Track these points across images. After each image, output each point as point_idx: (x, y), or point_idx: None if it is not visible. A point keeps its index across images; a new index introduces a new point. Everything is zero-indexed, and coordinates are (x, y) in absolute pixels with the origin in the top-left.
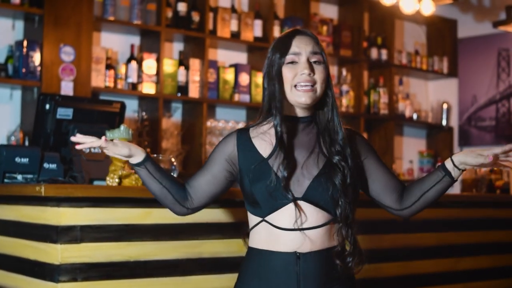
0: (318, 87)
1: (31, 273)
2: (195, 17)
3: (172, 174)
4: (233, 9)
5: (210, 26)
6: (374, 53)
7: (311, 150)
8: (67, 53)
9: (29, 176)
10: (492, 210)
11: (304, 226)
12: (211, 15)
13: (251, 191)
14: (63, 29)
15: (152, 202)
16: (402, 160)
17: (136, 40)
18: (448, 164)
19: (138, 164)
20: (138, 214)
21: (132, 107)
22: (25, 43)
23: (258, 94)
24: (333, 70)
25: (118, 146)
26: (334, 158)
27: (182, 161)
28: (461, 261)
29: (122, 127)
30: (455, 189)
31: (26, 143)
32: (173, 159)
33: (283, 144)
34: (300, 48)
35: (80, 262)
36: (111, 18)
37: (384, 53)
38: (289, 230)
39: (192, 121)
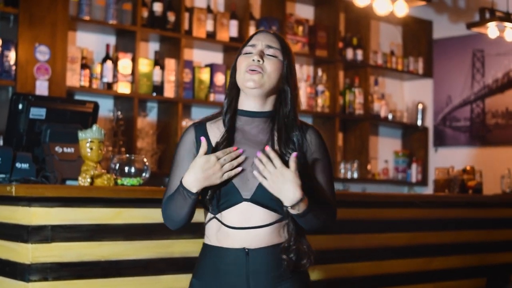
0: (266, 75)
1: (2, 272)
2: (171, 17)
3: (144, 174)
4: (208, 9)
5: (186, 26)
6: (349, 53)
7: (263, 148)
8: (42, 53)
9: (1, 176)
10: (464, 210)
11: (252, 225)
12: (186, 15)
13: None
14: (38, 28)
15: (123, 202)
16: (378, 160)
17: (111, 39)
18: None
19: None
20: (109, 214)
21: (107, 106)
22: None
23: None
24: (309, 70)
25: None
26: (286, 157)
27: (157, 160)
28: (433, 261)
29: (94, 127)
30: (429, 190)
31: (1, 142)
32: (145, 159)
33: (228, 129)
34: (258, 40)
35: (51, 262)
36: (87, 17)
37: (359, 54)
38: (237, 228)
39: (167, 121)
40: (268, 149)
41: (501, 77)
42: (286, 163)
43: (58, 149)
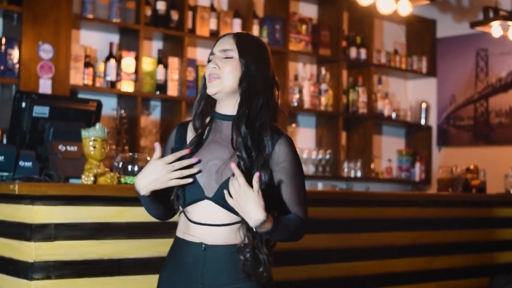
0: (224, 78)
1: (5, 270)
2: (174, 15)
3: None
4: (212, 8)
5: (189, 24)
6: (353, 52)
7: (232, 152)
8: (46, 51)
9: (5, 174)
10: (467, 209)
11: (212, 222)
12: (190, 13)
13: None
14: (42, 26)
15: (126, 200)
16: (381, 159)
17: (115, 38)
18: None
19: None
20: (112, 213)
21: (110, 105)
22: (3, 40)
23: None
24: (312, 69)
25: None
26: (240, 159)
27: None
28: (436, 260)
29: (97, 125)
30: (432, 189)
31: (4, 141)
32: (148, 158)
33: (200, 142)
34: (216, 47)
35: (54, 260)
36: (90, 16)
37: (363, 53)
38: (198, 224)
39: (170, 119)
40: (233, 165)
41: (505, 76)
42: (247, 171)
43: (61, 147)
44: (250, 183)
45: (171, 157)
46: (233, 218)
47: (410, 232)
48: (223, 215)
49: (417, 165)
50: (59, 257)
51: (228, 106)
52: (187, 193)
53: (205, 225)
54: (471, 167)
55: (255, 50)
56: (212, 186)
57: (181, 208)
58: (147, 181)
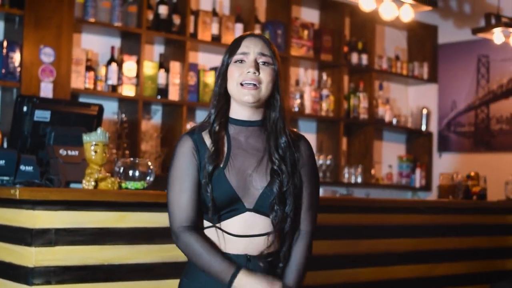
0: (263, 87)
1: (5, 275)
2: (176, 20)
3: (148, 178)
4: (214, 13)
5: (191, 29)
6: (354, 57)
7: (261, 157)
8: (47, 54)
9: (5, 178)
10: (468, 216)
11: (254, 233)
12: (192, 18)
13: (203, 197)
14: (44, 30)
15: (127, 205)
16: (382, 165)
17: (116, 42)
18: None
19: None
20: (113, 218)
21: (111, 109)
22: (5, 43)
23: None
24: (314, 74)
25: None
26: (274, 164)
27: (161, 163)
28: (437, 267)
29: (99, 130)
30: (433, 195)
31: (5, 145)
32: (149, 163)
33: (222, 148)
34: (249, 48)
35: (54, 265)
36: (92, 19)
37: (364, 58)
38: (239, 236)
39: (171, 124)
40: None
41: (506, 83)
42: (274, 173)
43: (62, 151)
44: (294, 189)
45: None
46: (272, 226)
47: (411, 239)
48: (264, 224)
49: (418, 171)
50: (59, 263)
51: (250, 112)
52: (225, 207)
53: (248, 237)
54: (472, 173)
55: (279, 58)
56: (250, 196)
57: (208, 223)
58: None
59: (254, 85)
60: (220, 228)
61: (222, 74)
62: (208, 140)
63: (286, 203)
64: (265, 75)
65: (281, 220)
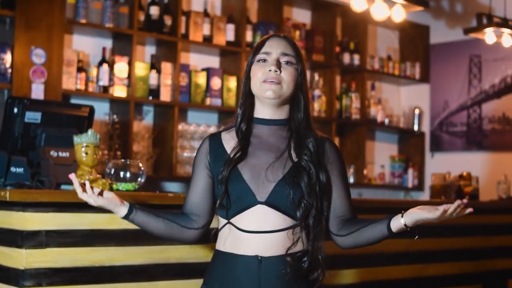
0: (285, 85)
1: None
2: (168, 20)
3: (139, 179)
4: (205, 13)
5: (183, 30)
6: (346, 58)
7: (280, 154)
8: (38, 56)
9: None
10: (460, 216)
11: (266, 229)
12: (183, 19)
13: (218, 193)
14: (35, 31)
15: None
16: (374, 165)
17: (108, 43)
18: (396, 222)
19: (126, 216)
20: (103, 219)
21: (103, 110)
22: None
23: (230, 98)
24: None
25: (99, 201)
26: (302, 160)
27: (153, 164)
28: (429, 267)
29: (90, 131)
30: (425, 195)
31: None
32: (140, 164)
33: (247, 146)
34: (272, 47)
35: (45, 267)
36: (83, 20)
37: (356, 58)
38: (251, 232)
39: (163, 125)
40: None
41: (498, 83)
42: (300, 169)
43: (53, 153)
44: (322, 185)
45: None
46: (287, 221)
47: (403, 239)
48: (277, 220)
49: (410, 171)
50: (50, 264)
51: (273, 111)
52: (238, 201)
53: (259, 233)
54: (464, 173)
55: (303, 58)
56: (263, 190)
57: (223, 221)
58: None
59: (276, 82)
60: (232, 224)
61: (247, 73)
62: (226, 141)
63: (313, 198)
64: (287, 74)
65: (305, 215)
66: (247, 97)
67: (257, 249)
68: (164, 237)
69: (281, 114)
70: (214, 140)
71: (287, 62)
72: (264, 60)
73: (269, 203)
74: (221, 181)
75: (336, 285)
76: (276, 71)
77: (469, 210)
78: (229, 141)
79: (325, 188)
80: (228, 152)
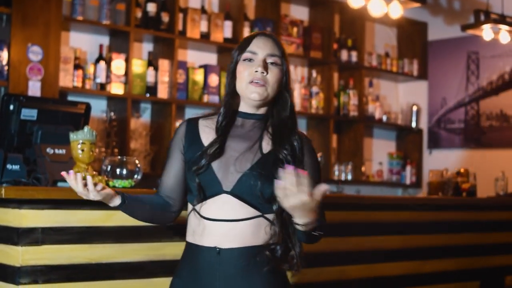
0: (270, 87)
1: None
2: (165, 17)
3: (136, 176)
4: (203, 10)
5: (180, 26)
6: (344, 55)
7: (251, 145)
8: (35, 53)
9: None
10: (458, 213)
11: (227, 218)
12: (180, 15)
13: (187, 179)
14: (31, 28)
15: None
16: (372, 162)
17: (105, 40)
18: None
19: (120, 206)
20: (100, 216)
21: (100, 107)
22: None
23: None
24: (303, 71)
25: (98, 196)
26: (281, 153)
27: (150, 161)
28: (426, 264)
29: (86, 128)
30: (422, 191)
31: None
32: (137, 161)
33: (220, 135)
34: (259, 47)
35: (41, 264)
36: (80, 17)
37: (354, 55)
38: (212, 220)
39: (160, 122)
40: (301, 172)
41: (495, 79)
42: (278, 161)
43: (49, 150)
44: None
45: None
46: (250, 212)
47: (401, 236)
48: (239, 210)
49: (408, 168)
50: (46, 262)
51: (252, 107)
52: (205, 189)
53: (222, 221)
54: (462, 170)
55: (287, 57)
56: (230, 179)
57: (190, 207)
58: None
59: (261, 84)
60: (196, 211)
61: (232, 71)
62: (202, 129)
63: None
64: (272, 75)
65: (279, 209)
66: (231, 95)
67: (217, 239)
68: (146, 221)
69: (262, 110)
70: (191, 125)
71: (273, 63)
72: (250, 60)
73: (234, 193)
74: (191, 169)
75: (334, 281)
76: (263, 73)
77: (302, 172)
78: (205, 129)
79: None
80: (203, 140)
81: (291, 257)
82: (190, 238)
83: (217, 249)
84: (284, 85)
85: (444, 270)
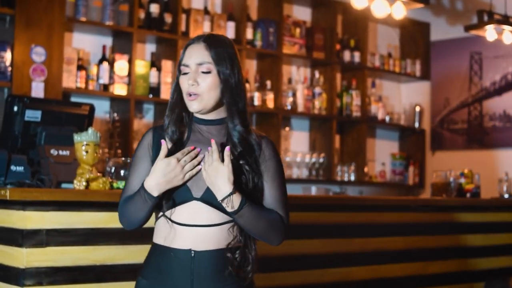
0: (205, 96)
1: None
2: (168, 18)
3: None
4: (206, 11)
5: (183, 27)
6: (347, 55)
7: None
8: (38, 54)
9: None
10: (461, 214)
11: (199, 223)
12: (183, 16)
13: None
14: (35, 29)
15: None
16: (375, 163)
17: (108, 41)
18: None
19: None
20: (104, 218)
21: (103, 108)
22: None
23: None
24: (306, 72)
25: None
26: (239, 160)
27: None
28: (430, 265)
29: (90, 130)
30: (425, 192)
31: None
32: None
33: (183, 144)
34: (190, 58)
35: (46, 266)
36: (83, 18)
37: (357, 56)
38: (185, 225)
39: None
40: (212, 141)
41: (499, 80)
42: (236, 168)
43: (53, 151)
44: (254, 185)
45: (180, 154)
46: (221, 217)
47: (405, 237)
48: (211, 215)
49: (411, 169)
50: (51, 263)
51: (209, 114)
52: (174, 196)
53: (194, 226)
54: (465, 171)
55: (228, 57)
56: (199, 186)
57: (160, 213)
58: (164, 180)
59: (194, 95)
60: (167, 217)
61: (176, 84)
62: (167, 136)
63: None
64: (204, 84)
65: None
66: (176, 103)
67: (190, 242)
68: (139, 224)
69: (218, 115)
70: (157, 134)
71: (204, 72)
72: (185, 73)
73: (203, 199)
74: None
75: (338, 282)
76: (193, 85)
77: (197, 149)
78: (169, 136)
79: (258, 187)
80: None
81: (248, 261)
82: (160, 240)
83: (192, 251)
84: (225, 89)
85: (448, 272)
